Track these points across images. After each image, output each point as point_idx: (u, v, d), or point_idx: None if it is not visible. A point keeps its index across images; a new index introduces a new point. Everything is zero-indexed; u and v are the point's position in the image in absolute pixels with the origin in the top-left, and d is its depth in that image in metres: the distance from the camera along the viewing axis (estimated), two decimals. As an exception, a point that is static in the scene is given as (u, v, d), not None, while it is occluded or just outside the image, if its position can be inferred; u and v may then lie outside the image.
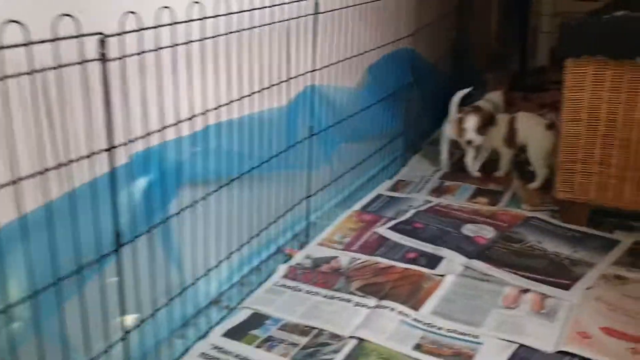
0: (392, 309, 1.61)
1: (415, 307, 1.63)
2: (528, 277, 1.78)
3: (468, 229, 2.09)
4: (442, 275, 1.79)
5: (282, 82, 1.75)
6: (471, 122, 2.48)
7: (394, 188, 2.50)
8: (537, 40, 4.39)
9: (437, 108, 3.04)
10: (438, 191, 2.46)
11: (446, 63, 3.36)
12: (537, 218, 2.18)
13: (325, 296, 1.70)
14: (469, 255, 1.90)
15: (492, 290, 1.71)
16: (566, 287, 1.72)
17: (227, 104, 1.53)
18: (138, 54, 1.21)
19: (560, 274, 1.80)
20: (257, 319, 1.60)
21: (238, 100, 1.56)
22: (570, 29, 1.99)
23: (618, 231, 2.08)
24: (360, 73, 2.31)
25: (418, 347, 1.48)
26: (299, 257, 1.91)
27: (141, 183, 1.35)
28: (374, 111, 2.41)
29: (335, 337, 1.52)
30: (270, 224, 1.83)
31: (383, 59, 2.45)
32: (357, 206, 2.30)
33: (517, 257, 1.91)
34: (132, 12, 1.15)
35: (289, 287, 1.74)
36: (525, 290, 1.71)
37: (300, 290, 1.73)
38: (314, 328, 1.56)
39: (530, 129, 2.45)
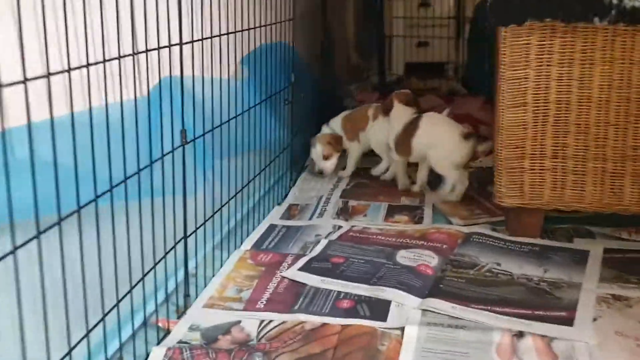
0: (348, 397, 1.02)
1: (385, 389, 1.05)
2: (511, 314, 1.28)
3: (404, 257, 1.56)
4: (400, 329, 1.23)
5: (126, 55, 1.10)
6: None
7: (287, 215, 1.92)
8: (391, 51, 4.23)
9: (320, 115, 2.53)
10: (345, 213, 1.92)
11: (316, 69, 2.87)
12: (479, 233, 1.72)
13: (236, 391, 1.06)
14: (420, 294, 1.37)
15: (477, 341, 1.18)
16: (568, 322, 1.25)
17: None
18: None
19: (548, 304, 1.33)
20: None
21: (48, 75, 0.89)
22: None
23: (577, 239, 1.69)
24: (234, 61, 1.71)
25: None
26: (180, 331, 1.24)
27: None
28: (256, 116, 1.82)
29: None
30: (133, 287, 1.14)
31: (260, 49, 1.87)
32: (248, 244, 1.68)
33: (482, 286, 1.42)
34: None
35: (173, 385, 1.08)
36: (519, 334, 1.21)
37: (193, 386, 1.07)
38: None
39: (438, 134, 1.99)
